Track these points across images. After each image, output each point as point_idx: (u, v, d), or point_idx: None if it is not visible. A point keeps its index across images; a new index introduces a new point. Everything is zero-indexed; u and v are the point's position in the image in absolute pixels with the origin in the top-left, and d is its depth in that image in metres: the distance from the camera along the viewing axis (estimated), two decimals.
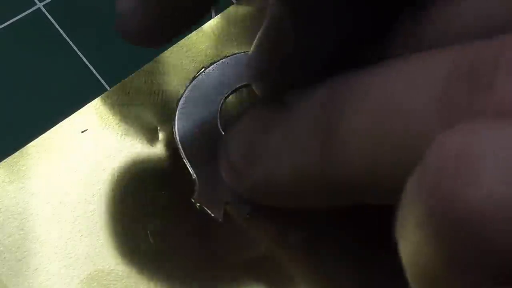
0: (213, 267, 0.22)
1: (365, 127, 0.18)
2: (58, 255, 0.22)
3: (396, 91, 0.17)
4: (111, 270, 0.22)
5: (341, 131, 0.18)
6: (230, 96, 0.25)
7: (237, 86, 0.25)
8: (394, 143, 0.17)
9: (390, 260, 0.22)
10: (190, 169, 0.23)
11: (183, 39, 0.24)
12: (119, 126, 0.24)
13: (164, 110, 0.25)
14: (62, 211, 0.22)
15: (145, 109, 0.25)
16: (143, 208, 0.23)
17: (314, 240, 0.23)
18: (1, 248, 0.22)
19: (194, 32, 0.27)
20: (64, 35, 0.27)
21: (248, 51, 0.25)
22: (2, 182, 0.23)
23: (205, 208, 0.23)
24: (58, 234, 0.22)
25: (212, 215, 0.23)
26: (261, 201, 0.22)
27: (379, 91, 0.18)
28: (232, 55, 0.26)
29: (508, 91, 0.15)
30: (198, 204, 0.23)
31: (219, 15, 0.27)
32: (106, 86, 0.26)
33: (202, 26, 0.27)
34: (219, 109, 0.25)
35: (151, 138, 0.24)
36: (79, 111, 0.25)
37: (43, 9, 0.28)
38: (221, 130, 0.24)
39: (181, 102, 0.24)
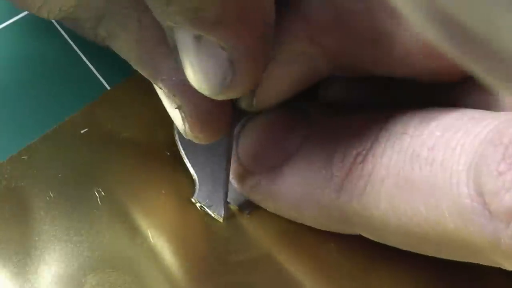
0: (213, 267, 0.22)
1: (394, 169, 0.18)
2: (57, 254, 0.22)
3: (433, 139, 0.17)
4: (112, 269, 0.22)
5: (368, 166, 0.19)
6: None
7: None
8: (418, 188, 0.17)
9: (390, 259, 0.22)
10: (190, 169, 0.23)
11: None
12: (119, 126, 0.24)
13: (164, 110, 0.25)
14: (61, 209, 0.22)
15: (145, 109, 0.25)
16: (143, 208, 0.23)
17: (314, 239, 0.23)
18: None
19: None
20: (65, 35, 0.27)
21: None
22: (2, 182, 0.23)
23: (205, 208, 0.23)
24: (56, 234, 0.22)
25: (212, 215, 0.23)
26: (260, 203, 0.22)
27: (416, 136, 0.18)
28: None
29: None
30: (198, 204, 0.23)
31: None
32: (107, 85, 0.26)
33: None
34: None
35: (151, 138, 0.24)
36: (79, 111, 0.25)
37: None
38: None
39: None
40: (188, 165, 0.23)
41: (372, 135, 0.19)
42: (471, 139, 0.17)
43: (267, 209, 0.22)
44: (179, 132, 0.24)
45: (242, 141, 0.22)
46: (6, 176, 0.23)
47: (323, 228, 0.21)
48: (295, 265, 0.22)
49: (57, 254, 0.22)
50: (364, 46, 0.19)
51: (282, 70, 0.20)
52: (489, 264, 0.18)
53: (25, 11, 0.28)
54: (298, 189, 0.20)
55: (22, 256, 0.22)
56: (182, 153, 0.24)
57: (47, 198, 0.23)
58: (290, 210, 0.21)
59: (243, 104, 0.21)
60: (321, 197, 0.20)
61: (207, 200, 0.23)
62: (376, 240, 0.20)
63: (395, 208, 0.18)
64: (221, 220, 0.23)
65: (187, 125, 0.20)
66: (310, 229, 0.22)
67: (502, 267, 0.18)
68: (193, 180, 0.23)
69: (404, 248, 0.20)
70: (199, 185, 0.23)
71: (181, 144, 0.24)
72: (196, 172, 0.23)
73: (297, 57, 0.20)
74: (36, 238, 0.22)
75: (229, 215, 0.23)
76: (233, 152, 0.22)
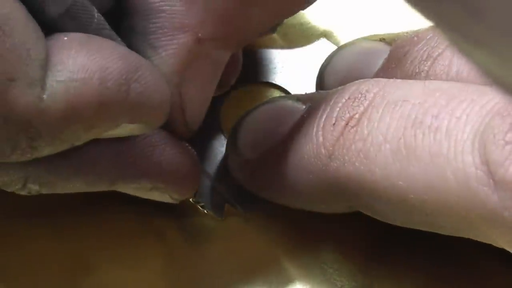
0: (213, 267, 0.22)
1: (393, 135, 0.18)
2: (58, 254, 0.22)
3: (437, 107, 0.17)
4: (111, 269, 0.22)
5: (362, 131, 0.18)
6: (230, 95, 0.25)
7: (237, 85, 0.25)
8: (419, 155, 0.17)
9: (390, 259, 0.22)
10: None
11: None
12: None
13: None
14: (61, 209, 0.22)
15: None
16: (143, 208, 0.23)
17: (315, 240, 0.23)
18: None
19: None
20: None
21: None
22: None
23: (205, 208, 0.23)
24: (56, 232, 0.22)
25: (212, 214, 0.23)
26: (260, 192, 0.22)
27: (419, 104, 0.18)
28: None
29: None
30: (198, 204, 0.23)
31: None
32: None
33: None
34: (218, 109, 0.24)
35: None
36: None
37: None
38: (221, 130, 0.24)
39: None
40: None
41: (366, 100, 0.19)
42: (477, 109, 0.17)
43: (268, 198, 0.22)
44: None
45: (240, 134, 0.22)
46: None
47: (319, 209, 0.21)
48: (295, 265, 0.22)
49: (57, 254, 0.22)
50: (245, 13, 0.20)
51: (195, 87, 0.20)
52: (481, 240, 0.18)
53: None
54: (292, 164, 0.20)
55: (22, 257, 0.22)
56: None
57: (47, 199, 0.23)
58: (287, 191, 0.21)
59: (181, 131, 0.21)
60: (314, 165, 0.20)
61: (207, 201, 0.23)
62: (369, 213, 0.20)
63: (391, 175, 0.18)
64: (220, 219, 0.23)
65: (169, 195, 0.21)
66: (310, 229, 0.22)
67: (495, 244, 0.18)
68: None
69: (396, 222, 0.20)
70: (199, 185, 0.23)
71: None
72: None
73: (198, 63, 0.20)
74: (36, 239, 0.22)
75: (229, 215, 0.23)
76: (232, 146, 0.22)
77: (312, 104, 0.21)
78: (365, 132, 0.18)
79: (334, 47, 0.25)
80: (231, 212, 0.23)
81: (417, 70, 0.20)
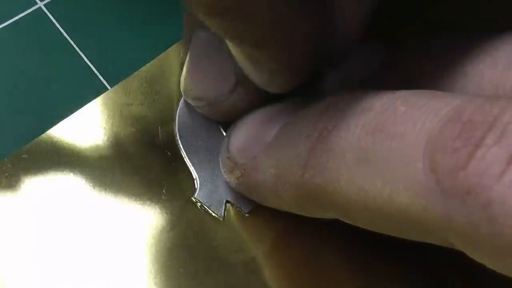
0: (213, 267, 0.22)
1: (355, 144, 0.18)
2: (58, 253, 0.22)
3: (396, 114, 0.17)
4: (112, 269, 0.22)
5: (331, 140, 0.19)
6: None
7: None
8: (377, 161, 0.17)
9: (390, 260, 0.22)
10: (191, 169, 0.24)
11: (183, 39, 0.24)
12: (119, 126, 0.24)
13: (164, 110, 0.25)
14: (62, 209, 0.23)
15: (146, 109, 0.25)
16: (143, 208, 0.23)
17: (314, 239, 0.23)
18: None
19: None
20: (65, 34, 0.27)
21: None
22: (3, 180, 0.23)
23: (206, 208, 0.23)
24: (56, 233, 0.22)
25: (213, 214, 0.23)
26: (249, 195, 0.22)
27: (381, 112, 0.18)
28: None
29: (491, 156, 0.15)
30: (198, 204, 0.23)
31: None
32: (107, 85, 0.26)
33: None
34: None
35: (152, 138, 0.24)
36: (79, 110, 0.25)
37: (44, 8, 0.28)
38: (221, 130, 0.24)
39: (181, 101, 0.24)
40: (189, 164, 0.24)
41: (338, 111, 0.19)
42: (432, 116, 0.16)
43: (257, 201, 0.22)
44: (179, 132, 0.24)
45: (231, 138, 0.22)
46: (7, 174, 0.23)
47: (304, 213, 0.21)
48: (294, 265, 0.22)
49: (57, 254, 0.22)
50: None
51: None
52: (444, 245, 0.18)
53: (24, 11, 0.28)
54: (273, 172, 0.20)
55: (22, 255, 0.22)
56: (183, 153, 0.24)
57: (48, 198, 0.23)
58: (272, 196, 0.21)
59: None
60: (291, 175, 0.20)
61: (207, 200, 0.23)
62: (347, 221, 0.20)
63: (354, 183, 0.18)
64: (221, 220, 0.23)
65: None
66: (310, 229, 0.22)
67: (454, 247, 0.17)
68: (193, 180, 0.23)
69: (370, 228, 0.19)
70: (200, 185, 0.23)
71: (182, 144, 0.24)
72: (196, 171, 0.23)
73: None
74: (37, 238, 0.22)
75: (229, 215, 0.23)
76: (225, 149, 0.23)
77: (295, 114, 0.21)
78: (333, 141, 0.18)
79: None
80: (231, 212, 0.23)
81: (407, 78, 0.20)
